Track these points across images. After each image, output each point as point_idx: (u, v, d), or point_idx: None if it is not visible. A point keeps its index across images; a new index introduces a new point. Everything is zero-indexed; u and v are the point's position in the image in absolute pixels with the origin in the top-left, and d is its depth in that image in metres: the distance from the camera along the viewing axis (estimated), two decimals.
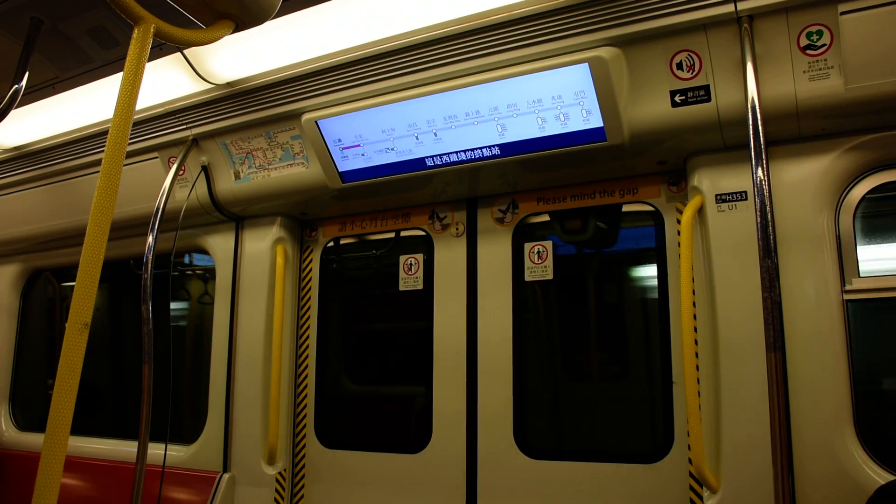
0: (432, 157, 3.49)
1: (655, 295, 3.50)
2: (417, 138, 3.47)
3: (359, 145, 3.60)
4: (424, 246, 4.14)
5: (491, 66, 3.15)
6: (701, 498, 3.09)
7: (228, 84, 3.71)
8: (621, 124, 3.05)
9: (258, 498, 4.05)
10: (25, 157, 4.75)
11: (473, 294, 3.89)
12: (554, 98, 3.10)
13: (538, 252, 3.76)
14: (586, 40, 2.94)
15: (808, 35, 2.69)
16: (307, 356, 4.37)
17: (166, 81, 3.70)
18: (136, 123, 4.08)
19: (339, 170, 3.72)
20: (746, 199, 3.01)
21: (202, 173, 4.16)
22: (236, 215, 4.39)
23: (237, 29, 2.05)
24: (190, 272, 5.48)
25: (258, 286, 4.28)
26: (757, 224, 2.52)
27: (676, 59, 2.91)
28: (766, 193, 2.52)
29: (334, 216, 4.45)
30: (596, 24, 2.89)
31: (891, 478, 2.60)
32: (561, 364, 3.91)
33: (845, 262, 2.88)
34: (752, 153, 2.57)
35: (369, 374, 4.53)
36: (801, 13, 2.66)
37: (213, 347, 4.40)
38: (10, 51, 3.03)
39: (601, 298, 3.88)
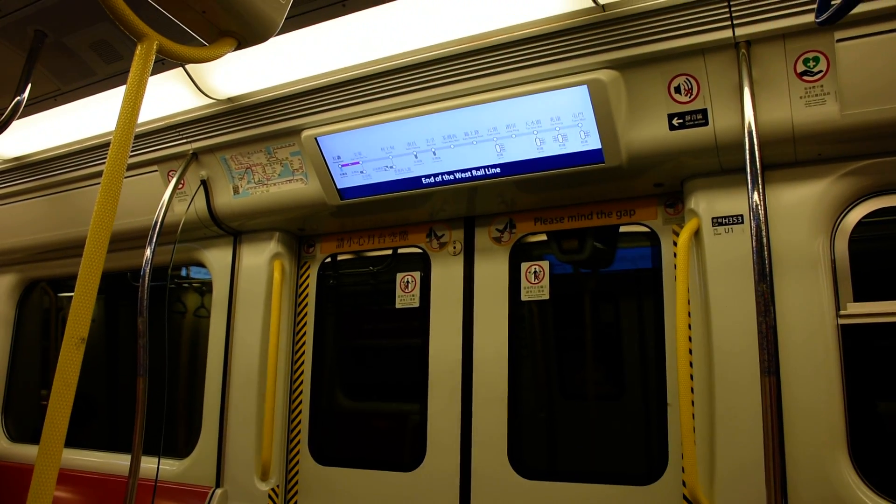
0: (431, 175, 3.50)
1: (651, 316, 3.51)
2: (416, 157, 3.48)
3: (358, 163, 3.62)
4: (422, 264, 4.14)
5: (490, 87, 3.17)
6: None
7: (229, 99, 3.73)
8: (619, 146, 3.07)
9: None
10: (26, 167, 4.76)
11: (470, 312, 3.89)
12: (553, 119, 3.12)
13: (535, 272, 3.77)
14: (585, 63, 2.96)
15: (805, 61, 2.71)
16: (302, 372, 4.36)
17: (167, 96, 3.72)
18: (137, 137, 4.09)
19: (338, 186, 3.73)
20: (742, 222, 3.02)
21: (201, 187, 4.17)
22: (234, 230, 4.40)
23: (239, 47, 2.06)
24: (187, 285, 5.47)
25: (255, 301, 4.27)
26: (752, 248, 2.53)
27: (674, 83, 2.93)
28: (761, 217, 2.53)
29: (332, 232, 4.46)
30: (595, 47, 2.92)
31: None
32: (556, 384, 3.91)
33: (840, 287, 2.89)
34: (749, 177, 2.58)
35: (364, 391, 4.52)
36: (798, 40, 2.69)
37: (208, 361, 4.38)
38: (13, 63, 3.05)
39: (597, 319, 3.88)
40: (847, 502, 2.65)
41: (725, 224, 3.06)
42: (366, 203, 3.76)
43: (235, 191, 4.10)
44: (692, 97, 2.93)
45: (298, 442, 4.26)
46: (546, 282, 3.74)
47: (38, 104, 3.65)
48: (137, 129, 4.01)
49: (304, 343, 4.40)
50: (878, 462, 2.77)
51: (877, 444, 2.89)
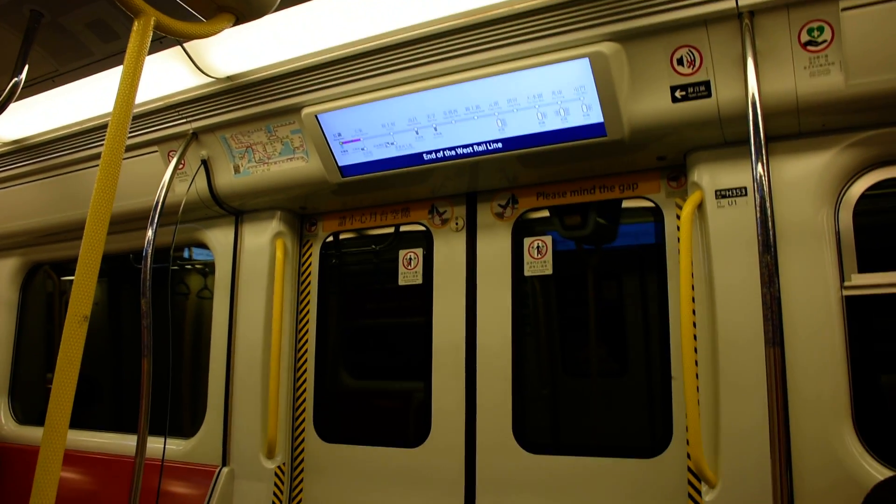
0: (432, 151, 3.49)
1: (655, 290, 3.50)
2: (417, 133, 3.46)
3: (359, 139, 3.60)
4: (424, 240, 4.14)
5: (491, 61, 3.14)
6: (699, 492, 3.10)
7: (228, 78, 3.70)
8: (621, 119, 3.05)
9: (257, 492, 4.06)
10: (25, 150, 4.74)
11: (473, 289, 3.89)
12: (554, 93, 3.10)
13: (538, 247, 3.76)
14: (587, 35, 2.93)
15: (809, 31, 2.68)
16: (306, 350, 4.38)
17: (166, 75, 3.69)
18: (136, 117, 4.07)
19: (339, 164, 3.72)
20: (746, 194, 3.01)
21: (202, 167, 4.15)
22: (236, 209, 4.39)
23: (238, 22, 2.04)
24: (189, 266, 5.48)
25: (258, 280, 4.28)
26: (756, 220, 2.52)
27: (677, 55, 2.91)
28: (765, 189, 2.52)
29: (334, 210, 4.45)
30: (597, 20, 2.89)
31: (889, 473, 2.60)
32: (560, 358, 3.92)
33: (844, 258, 2.88)
34: (752, 149, 2.56)
35: (368, 369, 4.53)
36: (802, 9, 2.66)
37: (212, 341, 4.40)
38: (9, 44, 3.02)
39: (600, 293, 3.88)
40: (851, 472, 2.66)
41: (729, 196, 3.05)
42: (367, 180, 3.74)
43: (236, 170, 4.09)
44: (695, 69, 2.90)
45: (303, 420, 4.28)
46: (549, 257, 3.74)
47: (35, 85, 3.63)
48: (137, 110, 4.01)
49: (307, 321, 4.41)
50: (882, 432, 2.77)
51: (881, 414, 2.90)
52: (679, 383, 3.26)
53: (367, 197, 4.19)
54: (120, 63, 1.70)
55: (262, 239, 4.32)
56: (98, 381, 5.70)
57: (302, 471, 4.23)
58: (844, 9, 2.59)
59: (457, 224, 4.00)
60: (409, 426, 4.12)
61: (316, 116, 3.59)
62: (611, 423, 3.70)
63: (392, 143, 3.55)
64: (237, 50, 3.47)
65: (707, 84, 2.90)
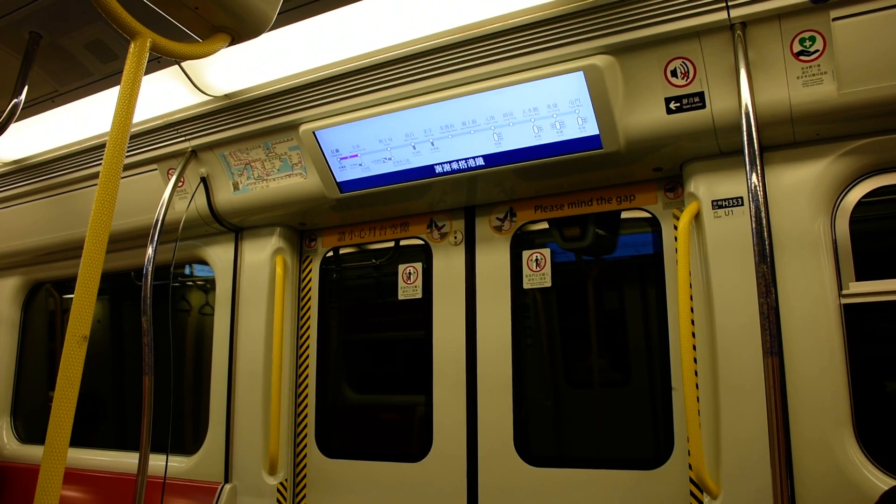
0: (430, 166, 3.50)
1: (654, 301, 3.51)
2: (415, 148, 3.48)
3: (356, 155, 3.62)
4: (423, 255, 4.15)
5: (487, 76, 3.17)
6: (701, 503, 3.09)
7: (226, 96, 3.73)
8: (617, 132, 3.06)
9: None
10: (25, 170, 4.77)
11: (472, 302, 3.89)
12: (549, 106, 3.12)
13: (536, 259, 3.77)
14: (581, 49, 2.96)
15: (801, 41, 2.70)
16: (307, 366, 4.38)
17: (164, 94, 3.72)
18: (135, 136, 4.10)
19: (337, 180, 3.73)
20: (742, 204, 3.02)
21: (201, 185, 4.17)
22: (235, 226, 4.41)
23: (233, 42, 2.06)
24: (190, 283, 5.49)
25: (258, 296, 4.28)
26: (752, 230, 2.53)
27: (671, 67, 2.92)
28: (761, 199, 2.53)
29: (333, 226, 4.47)
30: (590, 33, 2.91)
31: (890, 480, 2.60)
32: (560, 371, 3.92)
33: (842, 267, 2.89)
34: (747, 159, 2.58)
35: (369, 383, 4.53)
36: (793, 19, 2.68)
37: (213, 358, 4.40)
38: (9, 65, 3.05)
39: (600, 305, 3.89)
40: (853, 481, 2.66)
41: (725, 207, 3.05)
42: (365, 195, 3.76)
43: (235, 187, 4.11)
44: (689, 80, 2.92)
45: (305, 435, 4.28)
46: (548, 269, 3.75)
47: (35, 106, 3.65)
48: (136, 128, 4.04)
49: (308, 337, 4.42)
50: (883, 440, 2.77)
51: (882, 422, 2.90)
52: (679, 394, 3.26)
53: (365, 212, 4.20)
54: (119, 83, 1.72)
55: (262, 255, 4.33)
56: (100, 398, 5.69)
57: (304, 486, 4.22)
58: (835, 18, 2.61)
59: (455, 238, 4.01)
60: (411, 440, 4.12)
61: (314, 133, 3.61)
62: (612, 435, 3.70)
63: (390, 159, 3.57)
64: (234, 68, 3.49)
65: (701, 95, 2.92)
